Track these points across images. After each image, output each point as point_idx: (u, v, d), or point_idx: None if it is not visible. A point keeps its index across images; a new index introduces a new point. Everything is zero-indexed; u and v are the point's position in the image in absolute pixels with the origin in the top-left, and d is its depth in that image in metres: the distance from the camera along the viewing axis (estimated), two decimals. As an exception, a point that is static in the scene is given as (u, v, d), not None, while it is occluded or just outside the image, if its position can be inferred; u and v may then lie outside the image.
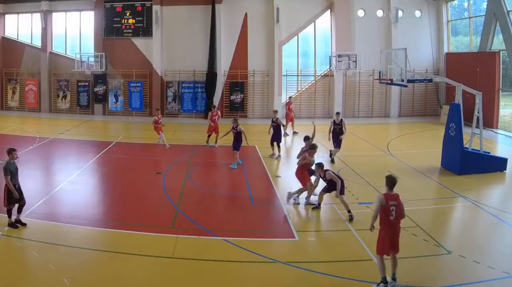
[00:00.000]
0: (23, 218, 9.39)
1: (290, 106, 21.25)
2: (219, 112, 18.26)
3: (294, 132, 20.58)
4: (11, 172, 9.03)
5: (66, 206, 10.72)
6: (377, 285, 6.80)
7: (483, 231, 9.42)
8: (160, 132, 17.62)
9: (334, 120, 15.24)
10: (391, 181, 6.91)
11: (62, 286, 6.93)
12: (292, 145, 19.35)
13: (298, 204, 10.79)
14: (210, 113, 18.06)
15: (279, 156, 15.90)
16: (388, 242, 6.73)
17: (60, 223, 9.37)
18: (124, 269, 7.62)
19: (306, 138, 12.23)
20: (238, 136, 14.61)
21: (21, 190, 9.33)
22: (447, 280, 7.23)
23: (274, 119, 16.32)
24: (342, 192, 9.89)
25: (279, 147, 16.06)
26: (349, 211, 9.76)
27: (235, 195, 11.89)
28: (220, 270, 7.64)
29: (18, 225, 9.11)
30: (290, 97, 22.64)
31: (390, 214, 6.66)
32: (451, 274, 7.46)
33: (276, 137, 16.01)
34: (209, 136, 17.73)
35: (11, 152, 9.27)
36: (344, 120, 15.33)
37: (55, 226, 9.28)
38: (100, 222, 9.71)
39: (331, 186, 10.13)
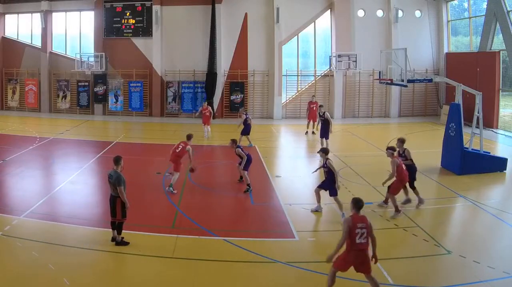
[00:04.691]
0: (22, 218, 9.39)
1: (311, 106, 20.54)
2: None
3: (313, 133, 20.37)
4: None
5: (66, 206, 10.71)
6: None
7: (483, 231, 9.41)
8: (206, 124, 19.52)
9: (399, 151, 10.84)
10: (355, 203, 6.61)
11: (62, 286, 6.93)
12: (295, 144, 19.39)
13: None
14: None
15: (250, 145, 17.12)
16: (352, 261, 6.40)
17: (60, 223, 9.36)
18: (124, 269, 7.62)
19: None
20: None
21: None
22: (447, 280, 7.24)
23: (248, 117, 17.70)
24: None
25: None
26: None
27: (235, 195, 11.88)
28: (220, 270, 7.63)
29: (127, 242, 8.35)
30: (313, 96, 22.06)
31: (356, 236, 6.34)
32: (451, 274, 7.46)
33: (246, 132, 17.54)
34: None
35: (119, 160, 8.47)
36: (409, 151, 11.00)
37: (55, 226, 9.28)
38: (100, 222, 9.67)
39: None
